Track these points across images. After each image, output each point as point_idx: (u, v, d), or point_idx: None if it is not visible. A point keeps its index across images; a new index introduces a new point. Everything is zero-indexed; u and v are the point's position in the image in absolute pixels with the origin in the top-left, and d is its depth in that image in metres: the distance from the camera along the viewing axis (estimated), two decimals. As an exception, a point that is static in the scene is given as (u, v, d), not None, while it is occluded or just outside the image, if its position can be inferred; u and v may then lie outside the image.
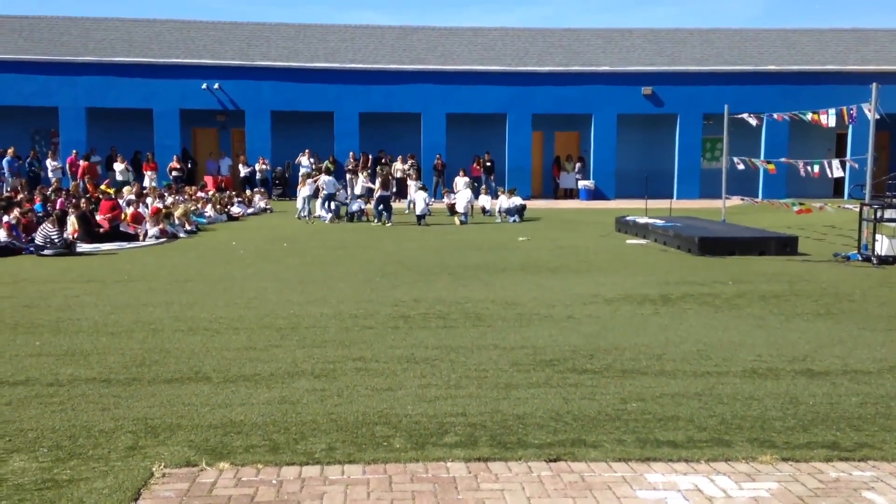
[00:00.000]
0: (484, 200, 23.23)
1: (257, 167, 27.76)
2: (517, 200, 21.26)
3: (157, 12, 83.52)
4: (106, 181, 21.83)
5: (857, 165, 16.07)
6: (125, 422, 4.84)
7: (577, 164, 29.37)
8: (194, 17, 35.54)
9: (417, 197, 20.30)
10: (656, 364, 6.22)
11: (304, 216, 21.15)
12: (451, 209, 21.48)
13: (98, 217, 16.19)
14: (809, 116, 15.70)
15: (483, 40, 31.14)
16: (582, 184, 28.59)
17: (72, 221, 14.86)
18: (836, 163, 15.53)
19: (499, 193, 22.07)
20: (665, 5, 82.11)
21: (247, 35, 30.70)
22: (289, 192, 27.44)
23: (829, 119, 15.12)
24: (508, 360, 6.33)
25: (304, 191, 21.38)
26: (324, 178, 21.48)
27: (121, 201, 17.88)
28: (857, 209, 13.31)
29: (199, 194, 22.70)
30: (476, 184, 24.56)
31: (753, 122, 17.61)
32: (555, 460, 4.30)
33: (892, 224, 12.88)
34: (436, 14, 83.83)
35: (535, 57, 29.57)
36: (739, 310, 8.54)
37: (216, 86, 27.54)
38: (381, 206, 19.87)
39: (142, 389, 5.50)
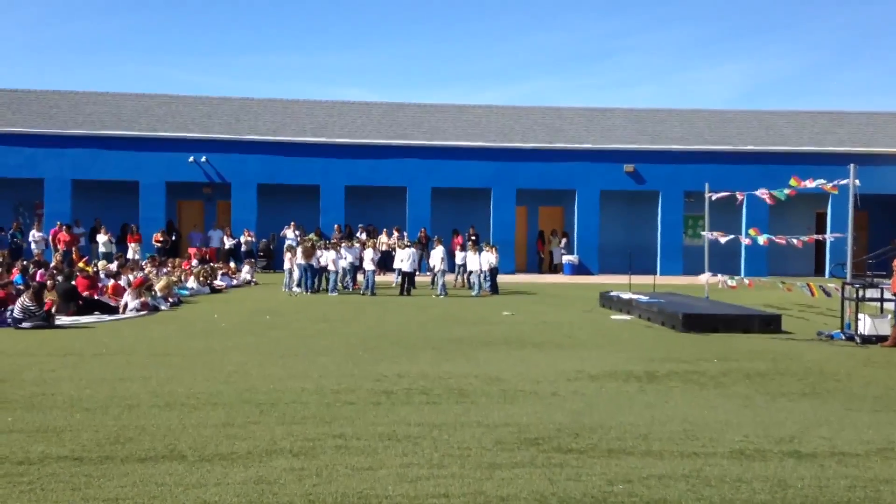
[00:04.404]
0: (462, 258, 23.11)
1: (242, 239, 27.75)
2: (490, 259, 21.00)
3: (146, 87, 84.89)
4: (84, 258, 21.57)
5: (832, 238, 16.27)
6: (95, 503, 4.67)
7: (563, 240, 29.58)
8: (183, 92, 35.91)
9: (405, 255, 20.38)
10: (642, 444, 6.12)
11: (294, 290, 20.52)
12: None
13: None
14: (786, 191, 15.90)
15: (468, 117, 31.70)
16: (566, 258, 28.73)
17: (50, 292, 14.67)
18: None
19: (483, 249, 21.62)
20: (645, 85, 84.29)
21: (235, 110, 31.09)
22: (273, 265, 27.41)
23: (810, 183, 15.20)
24: (492, 438, 6.21)
25: (288, 264, 21.04)
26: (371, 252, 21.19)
27: (102, 274, 17.72)
28: (839, 293, 13.40)
29: (190, 265, 22.60)
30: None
31: (715, 196, 17.81)
32: (540, 545, 4.17)
33: (874, 303, 12.96)
34: (422, 91, 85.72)
35: (520, 133, 30.07)
36: (725, 388, 8.48)
37: (203, 159, 27.72)
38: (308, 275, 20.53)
39: (114, 468, 5.34)
